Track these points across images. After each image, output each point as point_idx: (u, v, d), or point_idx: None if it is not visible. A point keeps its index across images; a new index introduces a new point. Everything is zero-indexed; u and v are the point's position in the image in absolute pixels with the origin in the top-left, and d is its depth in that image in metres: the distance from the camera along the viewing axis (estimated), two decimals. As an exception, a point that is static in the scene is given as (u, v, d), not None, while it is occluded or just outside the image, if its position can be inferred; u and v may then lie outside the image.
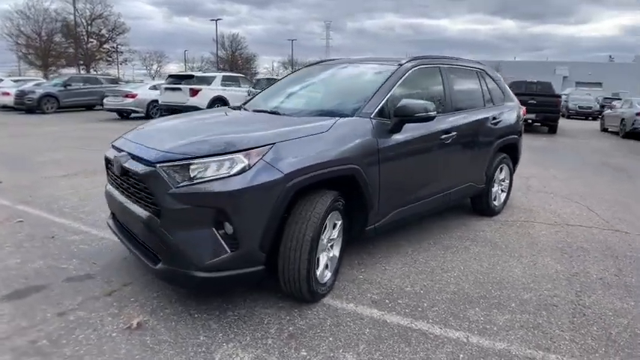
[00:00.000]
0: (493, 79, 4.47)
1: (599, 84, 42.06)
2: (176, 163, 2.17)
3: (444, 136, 3.37)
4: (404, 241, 3.65)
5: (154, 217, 2.21)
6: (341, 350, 2.15)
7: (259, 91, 13.20)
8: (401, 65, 3.23)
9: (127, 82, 24.47)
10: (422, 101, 2.86)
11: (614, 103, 18.52)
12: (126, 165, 2.39)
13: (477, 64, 4.30)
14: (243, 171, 2.13)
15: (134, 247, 2.51)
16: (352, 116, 2.76)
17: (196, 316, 2.40)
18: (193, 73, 13.70)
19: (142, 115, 14.40)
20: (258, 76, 14.76)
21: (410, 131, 3.00)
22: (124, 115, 14.82)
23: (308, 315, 2.45)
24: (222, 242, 2.15)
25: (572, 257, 3.47)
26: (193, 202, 2.12)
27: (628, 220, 4.53)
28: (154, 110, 14.44)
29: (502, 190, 4.60)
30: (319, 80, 3.62)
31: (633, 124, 12.70)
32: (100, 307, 2.43)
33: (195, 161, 2.16)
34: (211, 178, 2.13)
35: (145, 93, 14.46)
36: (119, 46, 42.93)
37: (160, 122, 3.21)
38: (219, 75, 14.31)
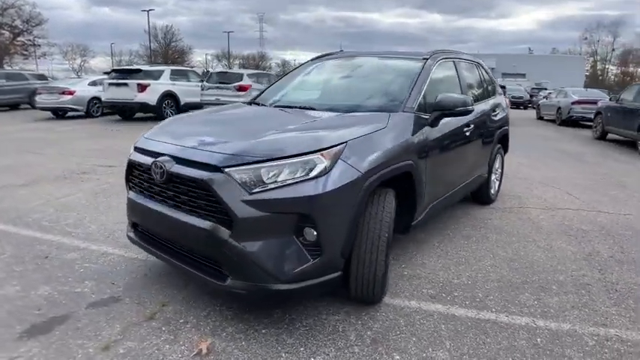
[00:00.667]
0: (486, 71, 4.64)
1: (523, 75, 45.87)
2: (249, 166, 1.96)
3: (465, 129, 3.43)
4: (423, 233, 3.67)
5: (220, 227, 1.96)
6: (430, 349, 2.10)
7: (216, 85, 12.85)
8: (426, 60, 3.22)
9: (54, 78, 21.96)
10: (461, 95, 2.88)
11: (542, 92, 20.38)
12: (174, 170, 2.10)
13: (473, 57, 4.44)
14: (324, 172, 1.98)
15: (181, 263, 2.22)
16: (399, 111, 2.69)
17: (264, 331, 2.19)
18: (140, 67, 12.65)
19: (82, 113, 13.04)
20: (193, 69, 13.91)
21: (442, 125, 3.01)
22: (59, 113, 13.28)
23: (378, 317, 2.36)
24: (304, 250, 1.97)
25: (578, 239, 3.73)
26: (273, 209, 1.92)
27: (604, 201, 5.00)
28: (95, 108, 13.15)
29: (496, 179, 4.83)
30: (343, 75, 3.47)
31: (569, 112, 14.10)
32: (149, 335, 2.12)
33: (272, 163, 1.96)
34: (292, 181, 1.95)
35: (83, 89, 13.07)
36: (36, 39, 38.46)
37: (188, 120, 2.89)
38: (168, 69, 13.39)
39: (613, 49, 54.01)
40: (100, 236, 3.42)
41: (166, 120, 2.87)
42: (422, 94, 2.90)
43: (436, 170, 2.94)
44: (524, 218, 4.27)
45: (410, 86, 2.92)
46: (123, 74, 12.38)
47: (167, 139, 2.36)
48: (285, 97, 3.34)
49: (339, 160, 2.03)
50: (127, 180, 2.54)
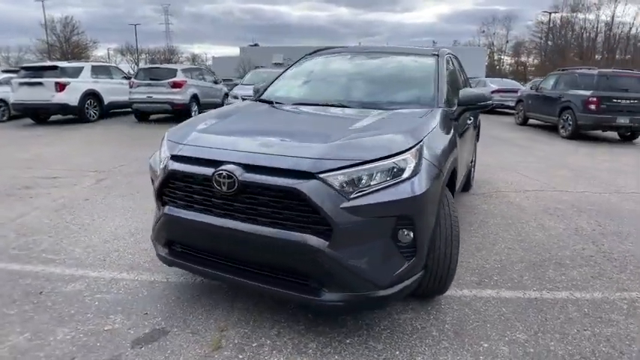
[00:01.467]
0: (460, 64, 4.91)
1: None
2: (344, 170, 1.83)
3: (469, 121, 3.61)
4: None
5: (315, 238, 1.80)
6: (508, 332, 2.18)
7: (147, 82, 11.71)
8: (437, 56, 3.30)
9: None
10: (480, 89, 3.01)
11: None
12: (247, 179, 1.87)
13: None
14: (416, 171, 1.93)
15: (253, 281, 1.99)
16: (434, 107, 2.72)
17: (348, 341, 2.07)
18: (56, 64, 11.06)
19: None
20: (92, 63, 12.49)
21: (461, 119, 3.12)
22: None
23: (444, 310, 2.39)
24: (399, 253, 1.91)
25: (560, 217, 4.16)
26: (373, 214, 1.82)
27: (559, 181, 5.64)
28: (0, 112, 11.24)
29: (473, 167, 5.16)
30: (357, 70, 3.37)
31: (489, 101, 15.52)
32: (228, 365, 1.88)
33: (366, 166, 1.85)
34: (388, 183, 1.86)
35: (-20, 90, 11.07)
36: None
37: (227, 122, 2.56)
38: (88, 65, 11.91)
39: (507, 41, 60.73)
40: (93, 260, 2.93)
41: (195, 124, 2.51)
42: (446, 89, 2.98)
43: (460, 161, 3.04)
44: (505, 201, 4.63)
45: (434, 82, 2.98)
46: (36, 72, 10.72)
47: (224, 145, 2.09)
48: (305, 94, 3.15)
49: (423, 159, 1.99)
50: (161, 194, 2.19)
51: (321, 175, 1.81)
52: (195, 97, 11.92)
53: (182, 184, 2.08)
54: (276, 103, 3.03)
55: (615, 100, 8.73)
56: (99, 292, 2.51)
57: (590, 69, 10.10)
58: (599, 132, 10.01)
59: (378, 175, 1.87)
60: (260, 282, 1.98)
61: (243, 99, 10.95)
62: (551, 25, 48.53)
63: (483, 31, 61.32)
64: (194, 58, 63.77)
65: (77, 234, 3.42)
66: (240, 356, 1.95)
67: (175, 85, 11.10)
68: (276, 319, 2.25)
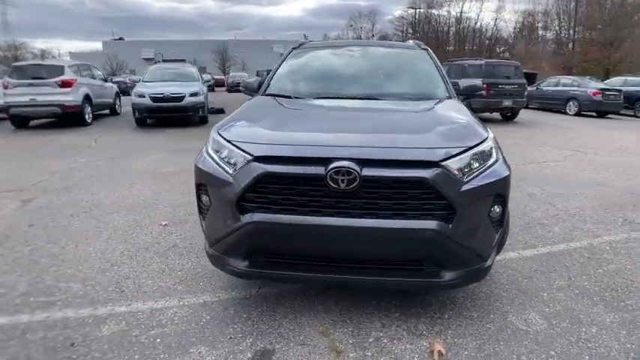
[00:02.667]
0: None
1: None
2: (458, 157, 1.93)
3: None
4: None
5: (439, 223, 1.85)
6: (553, 282, 2.57)
7: (29, 82, 9.67)
8: (427, 50, 3.56)
9: None
10: (475, 80, 3.36)
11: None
12: (369, 174, 1.81)
13: None
14: (498, 154, 2.13)
15: (364, 276, 1.95)
16: (451, 97, 2.95)
17: (446, 316, 2.18)
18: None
19: None
20: None
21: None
22: None
23: (494, 275, 2.67)
24: (492, 227, 2.08)
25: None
26: (480, 194, 1.95)
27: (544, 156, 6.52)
28: None
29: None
30: (363, 63, 3.37)
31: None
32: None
33: (470, 152, 1.98)
34: (485, 166, 2.01)
35: None
36: None
37: (286, 121, 2.36)
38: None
39: (373, 35, 66.23)
40: (107, 294, 2.43)
41: (254, 122, 2.29)
42: (448, 80, 3.24)
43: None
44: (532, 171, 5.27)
45: (439, 74, 3.23)
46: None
47: (322, 142, 1.98)
48: (323, 88, 3.03)
49: (494, 143, 2.19)
50: (240, 200, 1.93)
51: (443, 163, 1.87)
52: (87, 98, 10.31)
53: (279, 186, 1.89)
54: (295, 97, 2.90)
55: (500, 86, 10.44)
56: (150, 328, 2.11)
57: (477, 59, 11.82)
58: (486, 114, 11.81)
59: (478, 160, 2.01)
60: (375, 276, 1.95)
61: (155, 98, 9.93)
62: (411, 19, 54.80)
63: (351, 25, 65.91)
64: (43, 54, 53.99)
65: (55, 267, 2.77)
66: (369, 353, 1.90)
67: (65, 84, 9.42)
68: (367, 313, 2.22)
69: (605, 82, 15.87)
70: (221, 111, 13.04)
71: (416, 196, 1.85)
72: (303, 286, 2.48)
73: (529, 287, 2.53)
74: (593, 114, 13.84)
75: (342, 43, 3.82)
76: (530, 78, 17.05)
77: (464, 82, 3.32)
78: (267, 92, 3.12)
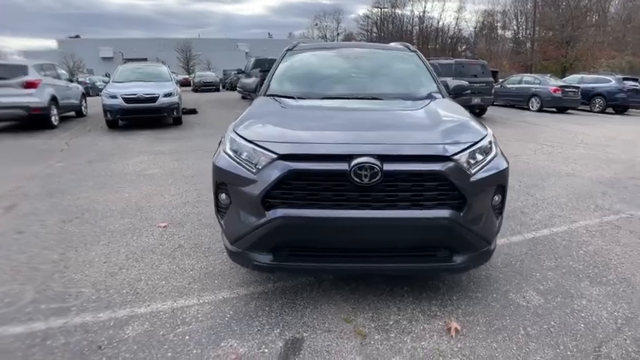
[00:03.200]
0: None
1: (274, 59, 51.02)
2: (466, 151, 2.11)
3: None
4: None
5: (452, 211, 2.02)
6: (543, 264, 2.81)
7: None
8: (416, 52, 3.75)
9: None
10: (462, 80, 3.58)
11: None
12: (391, 169, 1.96)
13: None
14: (497, 149, 2.33)
15: (381, 263, 2.12)
16: (444, 97, 3.14)
17: (454, 297, 2.36)
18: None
19: None
20: None
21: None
22: None
23: (485, 267, 2.87)
24: (495, 213, 2.28)
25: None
26: (485, 185, 2.14)
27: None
28: None
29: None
30: (358, 65, 3.48)
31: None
32: (398, 344, 1.94)
33: (475, 147, 2.17)
34: (488, 159, 2.20)
35: None
36: None
37: (300, 120, 2.42)
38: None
39: (338, 34, 66.86)
40: (122, 297, 2.43)
41: (271, 123, 2.37)
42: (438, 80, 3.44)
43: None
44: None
45: (431, 75, 3.43)
46: None
47: (343, 140, 2.11)
48: (324, 88, 3.13)
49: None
50: (266, 198, 2.02)
51: (455, 157, 2.05)
52: (53, 99, 9.82)
53: (303, 182, 1.99)
54: (299, 98, 2.99)
55: (470, 84, 10.89)
56: (176, 327, 2.15)
57: (447, 59, 12.29)
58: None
59: (482, 154, 2.20)
60: (394, 263, 2.10)
61: (128, 99, 9.64)
62: (375, 19, 55.78)
63: (316, 24, 66.26)
64: (-2, 55, 50.65)
65: (59, 273, 2.72)
66: (392, 335, 2.04)
67: (29, 84, 8.94)
68: (383, 299, 2.36)
69: (563, 79, 16.92)
70: (194, 111, 12.82)
71: (431, 187, 2.01)
72: (317, 278, 2.59)
73: (522, 269, 2.76)
74: (554, 110, 14.74)
75: (334, 45, 3.95)
76: (492, 76, 17.92)
77: (452, 83, 3.53)
78: (268, 93, 3.19)
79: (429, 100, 2.94)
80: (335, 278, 2.59)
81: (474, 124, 2.44)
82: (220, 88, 30.12)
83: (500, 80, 17.20)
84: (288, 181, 2.00)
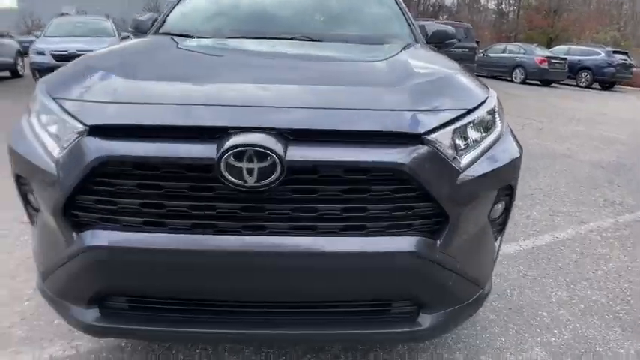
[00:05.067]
0: None
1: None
2: (453, 126, 1.13)
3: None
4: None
5: (419, 239, 1.07)
6: (555, 300, 1.94)
7: None
8: None
9: None
10: (448, 26, 2.57)
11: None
12: (299, 158, 0.98)
13: None
14: (503, 123, 1.36)
15: (301, 326, 1.15)
16: (420, 43, 2.14)
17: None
18: None
19: None
20: None
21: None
22: None
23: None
24: (493, 232, 1.33)
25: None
26: (486, 187, 1.19)
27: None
28: None
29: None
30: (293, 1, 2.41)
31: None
32: None
33: (470, 118, 1.19)
34: (490, 140, 1.24)
35: None
36: None
37: (165, 65, 1.43)
38: None
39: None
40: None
41: (106, 67, 1.26)
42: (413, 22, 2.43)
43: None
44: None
45: (404, 14, 2.40)
46: None
47: (217, 100, 1.10)
48: (242, 25, 2.06)
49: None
50: (72, 207, 1.03)
51: (431, 137, 1.07)
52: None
53: (133, 182, 0.99)
54: (199, 37, 1.92)
55: (451, 50, 9.86)
56: None
57: (427, 20, 11.13)
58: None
59: (477, 130, 1.23)
60: (312, 327, 1.15)
61: (58, 56, 8.17)
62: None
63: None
64: None
65: None
66: None
67: None
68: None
69: (550, 50, 16.05)
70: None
71: (384, 196, 1.04)
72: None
73: (523, 304, 1.88)
74: (538, 82, 13.93)
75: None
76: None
77: (432, 27, 2.52)
78: (160, 31, 2.11)
79: (398, 48, 1.92)
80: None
81: (465, 79, 1.42)
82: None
83: (483, 49, 16.18)
84: (104, 177, 1.00)
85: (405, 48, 1.86)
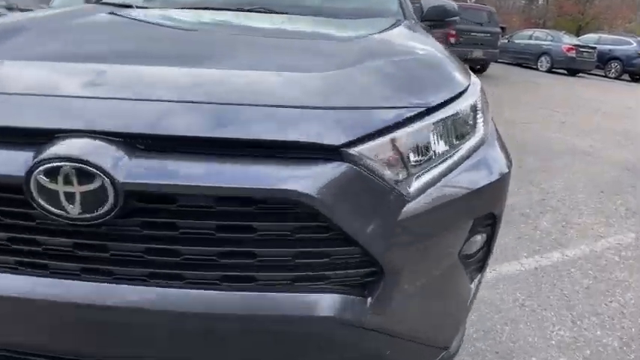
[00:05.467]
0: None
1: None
2: (399, 132, 0.76)
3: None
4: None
5: (335, 298, 0.72)
6: (555, 344, 1.56)
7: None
8: None
9: None
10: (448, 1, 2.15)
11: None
12: (144, 181, 0.63)
13: None
14: (486, 124, 0.99)
15: None
16: (404, 19, 1.73)
17: None
18: None
19: None
20: None
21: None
22: None
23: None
24: (466, 274, 0.95)
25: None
26: (451, 217, 0.83)
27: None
28: None
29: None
30: None
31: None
32: None
33: (432, 118, 0.81)
34: (464, 153, 0.87)
35: None
36: None
37: (36, 39, 1.04)
38: None
39: None
40: None
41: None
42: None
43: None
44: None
45: None
46: None
47: (52, 90, 0.75)
48: None
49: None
50: None
51: (355, 150, 0.70)
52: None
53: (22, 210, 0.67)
54: (139, 7, 1.57)
55: (472, 34, 9.21)
56: None
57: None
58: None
59: (445, 137, 0.85)
60: None
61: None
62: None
63: None
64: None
65: None
66: None
67: None
68: None
69: (579, 38, 15.03)
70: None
71: (279, 236, 0.69)
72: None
73: (513, 347, 1.52)
74: (564, 71, 13.07)
75: None
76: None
77: (428, 2, 2.10)
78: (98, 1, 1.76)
79: (374, 25, 1.50)
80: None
81: (438, 65, 1.02)
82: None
83: (507, 35, 15.25)
84: None
85: (384, 25, 1.46)
